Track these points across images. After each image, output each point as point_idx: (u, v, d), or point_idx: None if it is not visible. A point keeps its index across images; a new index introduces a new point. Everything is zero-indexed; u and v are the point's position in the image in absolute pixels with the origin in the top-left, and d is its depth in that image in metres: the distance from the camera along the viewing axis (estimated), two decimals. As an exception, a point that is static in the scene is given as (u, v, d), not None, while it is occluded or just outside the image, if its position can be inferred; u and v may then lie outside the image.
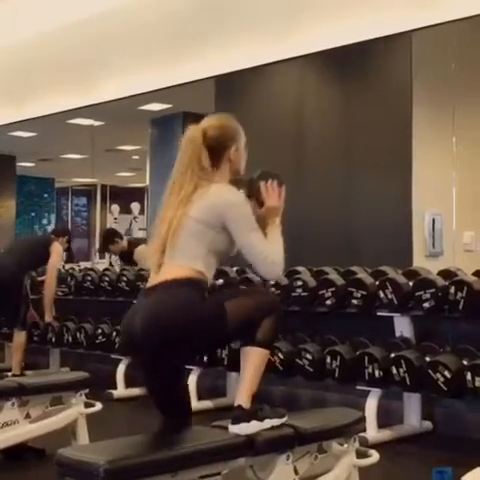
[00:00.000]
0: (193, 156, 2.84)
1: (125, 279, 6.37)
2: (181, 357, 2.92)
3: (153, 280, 2.83)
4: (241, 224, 2.79)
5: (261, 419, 2.77)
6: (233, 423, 2.75)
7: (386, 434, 4.61)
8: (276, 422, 2.82)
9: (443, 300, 4.55)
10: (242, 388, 2.80)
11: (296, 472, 2.91)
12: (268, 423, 2.79)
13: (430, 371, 4.39)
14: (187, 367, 3.04)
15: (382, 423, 4.64)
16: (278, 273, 2.86)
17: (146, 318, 2.72)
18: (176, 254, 2.79)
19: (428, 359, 4.50)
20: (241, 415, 2.75)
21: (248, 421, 2.74)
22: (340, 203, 6.90)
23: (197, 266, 2.77)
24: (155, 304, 2.74)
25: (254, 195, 2.92)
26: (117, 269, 7.06)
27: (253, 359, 2.79)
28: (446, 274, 4.84)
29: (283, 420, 2.86)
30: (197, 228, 2.78)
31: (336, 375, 4.83)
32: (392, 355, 4.63)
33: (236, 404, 2.79)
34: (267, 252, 2.79)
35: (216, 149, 2.88)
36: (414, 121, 6.38)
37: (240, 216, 2.80)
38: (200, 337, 2.77)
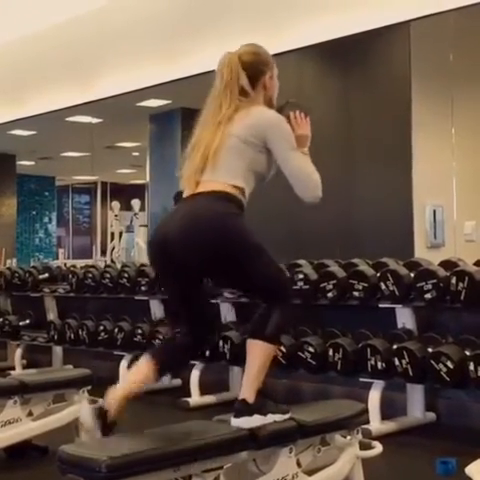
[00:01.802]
0: (232, 78, 2.86)
1: (126, 276, 6.36)
2: (211, 266, 2.80)
3: (191, 193, 2.84)
4: (284, 142, 2.82)
5: (264, 413, 2.77)
6: (236, 416, 2.75)
7: (389, 426, 4.60)
8: (279, 418, 2.81)
9: (445, 291, 4.54)
10: (247, 382, 2.78)
11: (299, 465, 2.91)
12: (271, 418, 2.79)
13: (433, 362, 4.38)
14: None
15: (385, 415, 4.63)
16: (319, 193, 2.85)
17: (185, 218, 2.73)
18: (216, 171, 2.80)
19: (430, 350, 4.49)
20: (244, 409, 2.74)
21: (251, 415, 2.73)
22: (340, 196, 6.89)
23: (237, 182, 2.79)
24: (195, 207, 2.76)
25: None
26: (118, 266, 7.05)
27: (259, 354, 2.77)
28: (447, 265, 4.82)
29: (286, 416, 2.85)
30: (239, 146, 2.80)
31: (338, 368, 4.82)
32: (394, 347, 4.62)
33: (240, 398, 2.78)
34: (310, 170, 2.82)
35: (252, 74, 2.90)
36: (413, 112, 6.37)
37: (282, 135, 2.83)
38: (232, 250, 2.72)
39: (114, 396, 2.76)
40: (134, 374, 2.91)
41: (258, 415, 2.75)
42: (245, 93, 2.87)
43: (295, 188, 2.85)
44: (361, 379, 4.74)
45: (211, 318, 3.03)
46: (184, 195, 2.88)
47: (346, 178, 6.87)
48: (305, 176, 2.82)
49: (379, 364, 4.61)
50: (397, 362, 4.53)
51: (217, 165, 2.79)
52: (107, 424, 2.73)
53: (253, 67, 2.90)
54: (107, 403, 2.75)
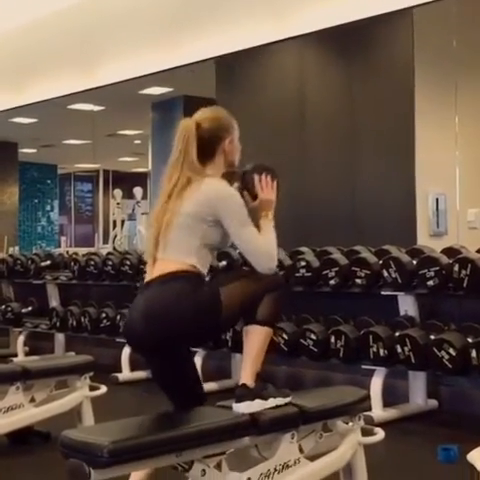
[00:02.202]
0: (184, 149, 2.83)
1: (128, 263, 6.36)
2: (182, 348, 2.90)
3: (149, 276, 2.87)
4: (234, 219, 2.77)
5: (265, 398, 2.77)
6: (237, 401, 2.75)
7: (392, 413, 4.61)
8: (280, 401, 2.81)
9: (447, 278, 4.53)
10: (245, 367, 2.79)
11: (301, 451, 2.91)
12: (272, 402, 2.78)
13: (435, 349, 4.38)
14: (193, 350, 3.03)
15: (387, 402, 4.63)
16: (272, 266, 2.82)
17: (143, 314, 2.75)
18: (169, 249, 2.79)
19: (433, 337, 4.49)
20: (245, 393, 2.74)
21: (252, 399, 2.73)
22: (344, 184, 6.88)
23: (190, 260, 2.77)
24: (150, 299, 2.77)
25: (247, 188, 2.89)
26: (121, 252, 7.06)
27: (255, 338, 2.78)
28: (450, 252, 4.81)
29: (287, 400, 2.84)
30: (188, 222, 2.77)
31: (341, 355, 4.82)
32: (397, 334, 4.62)
33: (240, 383, 2.78)
34: (261, 246, 2.78)
35: (210, 141, 2.87)
36: (416, 101, 6.34)
37: (232, 211, 2.78)
38: (197, 327, 2.76)
39: None
40: None
41: (259, 399, 2.74)
42: (196, 164, 2.83)
43: (251, 263, 2.83)
44: (363, 366, 4.74)
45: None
46: (147, 270, 2.92)
47: (349, 167, 6.85)
48: (259, 254, 2.77)
49: (381, 351, 4.61)
50: (399, 349, 4.53)
51: (168, 242, 2.79)
52: None
53: (212, 135, 2.87)
54: None
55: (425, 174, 6.45)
